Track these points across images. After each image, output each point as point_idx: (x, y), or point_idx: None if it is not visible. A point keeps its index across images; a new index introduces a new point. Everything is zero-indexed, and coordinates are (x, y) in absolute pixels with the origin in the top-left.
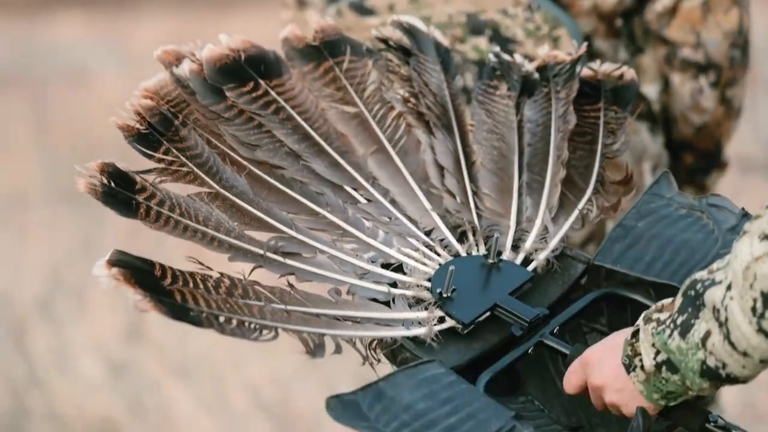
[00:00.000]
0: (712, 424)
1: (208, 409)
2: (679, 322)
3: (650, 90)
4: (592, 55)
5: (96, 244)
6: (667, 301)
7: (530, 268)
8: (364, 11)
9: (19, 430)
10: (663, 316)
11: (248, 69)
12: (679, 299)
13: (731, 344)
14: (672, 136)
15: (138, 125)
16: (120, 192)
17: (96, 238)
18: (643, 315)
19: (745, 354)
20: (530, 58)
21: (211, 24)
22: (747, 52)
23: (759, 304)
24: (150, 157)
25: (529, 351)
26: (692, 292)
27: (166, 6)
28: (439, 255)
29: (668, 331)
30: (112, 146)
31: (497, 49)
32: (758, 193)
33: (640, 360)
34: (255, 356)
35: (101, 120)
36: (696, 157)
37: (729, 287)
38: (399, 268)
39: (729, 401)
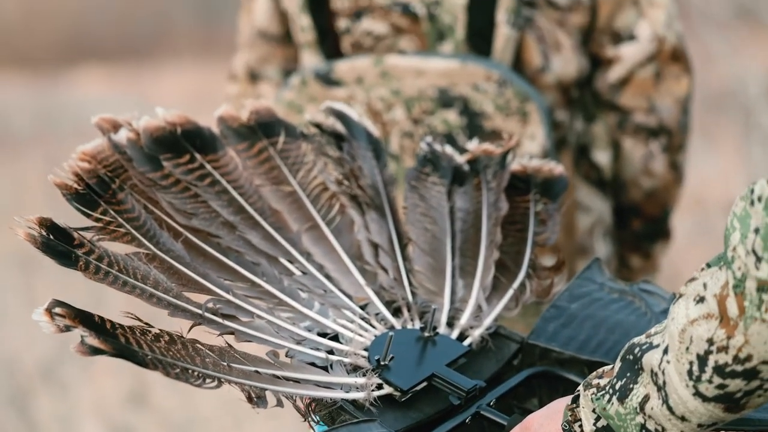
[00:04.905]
0: None
1: None
2: (617, 386)
3: (602, 157)
4: (556, 125)
5: (103, 308)
6: (607, 367)
7: (465, 344)
8: (330, 82)
9: None
10: (603, 381)
11: (184, 142)
12: (617, 364)
13: (669, 408)
14: (621, 201)
15: (76, 185)
16: (59, 244)
17: (102, 303)
18: (583, 381)
19: (683, 418)
20: (462, 150)
21: None
22: (690, 118)
23: (695, 367)
24: (88, 216)
25: (467, 421)
26: (630, 357)
27: (187, 62)
28: (374, 327)
29: (607, 396)
30: None
31: (430, 139)
32: None
33: (580, 426)
34: (256, 420)
35: None
36: (644, 222)
37: (666, 350)
38: (335, 339)
39: None
